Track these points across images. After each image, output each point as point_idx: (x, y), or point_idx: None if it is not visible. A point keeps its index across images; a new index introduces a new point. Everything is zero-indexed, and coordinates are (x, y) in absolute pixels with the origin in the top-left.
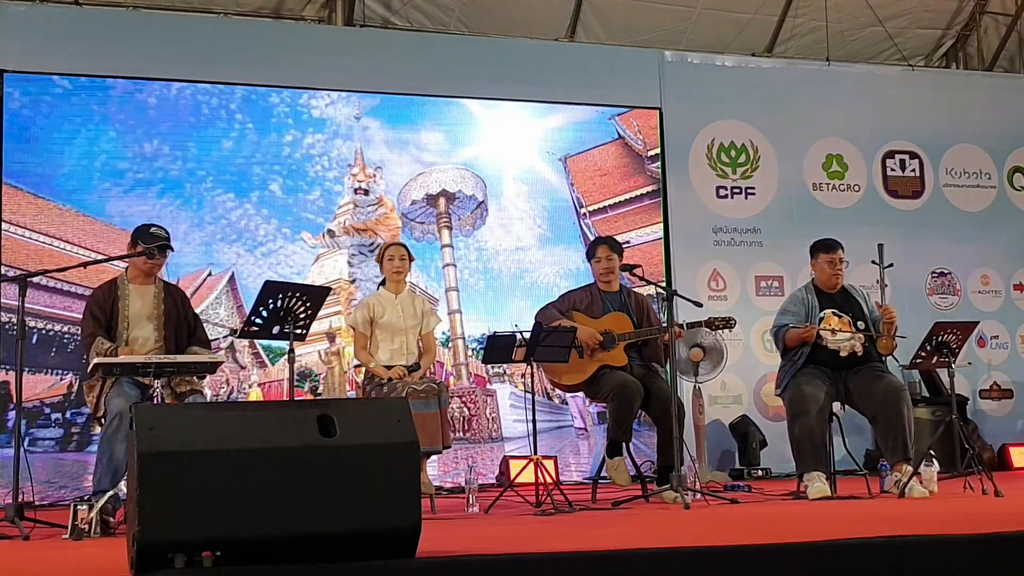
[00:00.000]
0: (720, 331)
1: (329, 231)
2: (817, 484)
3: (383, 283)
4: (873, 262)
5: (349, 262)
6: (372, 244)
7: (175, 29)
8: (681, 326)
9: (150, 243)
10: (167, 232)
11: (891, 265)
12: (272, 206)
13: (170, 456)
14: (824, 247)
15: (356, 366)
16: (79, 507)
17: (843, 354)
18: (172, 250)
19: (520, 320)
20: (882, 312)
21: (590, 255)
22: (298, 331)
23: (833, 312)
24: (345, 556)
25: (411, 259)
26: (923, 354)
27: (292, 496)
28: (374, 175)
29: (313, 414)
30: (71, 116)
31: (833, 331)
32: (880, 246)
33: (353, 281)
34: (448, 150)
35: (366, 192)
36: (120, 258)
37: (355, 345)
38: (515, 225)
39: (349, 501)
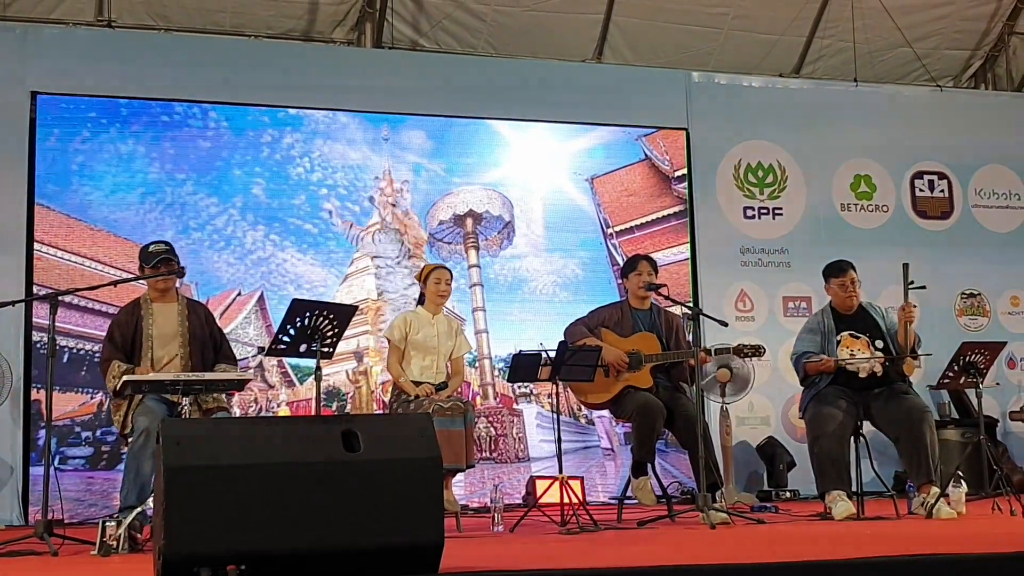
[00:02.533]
0: (749, 358)
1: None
2: (841, 504)
3: (420, 301)
4: (911, 283)
5: (376, 274)
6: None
7: (206, 51)
8: (708, 351)
9: (147, 262)
10: (167, 244)
11: (923, 287)
12: (302, 228)
13: (196, 470)
14: (834, 270)
15: (383, 382)
16: (107, 523)
17: (862, 375)
18: (171, 264)
19: (546, 340)
20: (902, 312)
21: (629, 269)
22: (325, 349)
23: (850, 334)
24: (368, 571)
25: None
26: (950, 374)
27: (317, 510)
28: (400, 189)
29: (337, 429)
30: (103, 137)
31: (852, 354)
32: (905, 266)
33: (380, 294)
34: (475, 171)
35: (394, 205)
36: (147, 278)
37: (389, 358)
38: (542, 245)
39: (373, 516)
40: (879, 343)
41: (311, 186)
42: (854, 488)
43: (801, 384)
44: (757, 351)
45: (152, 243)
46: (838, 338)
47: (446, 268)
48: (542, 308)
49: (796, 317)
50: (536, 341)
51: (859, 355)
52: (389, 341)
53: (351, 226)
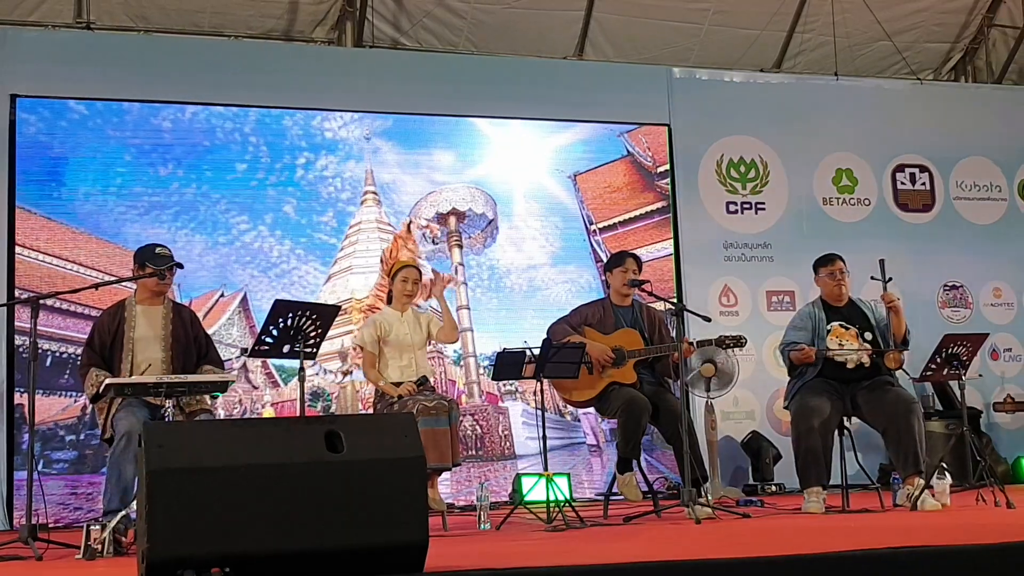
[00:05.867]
0: (731, 349)
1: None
2: (812, 501)
3: (389, 301)
4: (873, 278)
5: (359, 274)
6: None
7: (186, 52)
8: (691, 343)
9: (159, 264)
10: (171, 251)
11: (890, 279)
12: (286, 228)
13: (179, 473)
14: (823, 261)
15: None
16: (92, 527)
17: (850, 366)
18: (181, 267)
19: (531, 338)
20: (885, 299)
21: (615, 264)
22: (308, 350)
23: (840, 325)
24: (353, 571)
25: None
26: (933, 366)
27: (300, 512)
28: (383, 188)
29: (320, 430)
30: (83, 139)
31: (841, 344)
32: (881, 261)
33: (366, 295)
34: (458, 169)
35: (377, 204)
36: (131, 279)
37: (364, 364)
38: (526, 243)
39: (357, 516)
40: (868, 335)
41: (291, 186)
42: (836, 481)
43: (789, 374)
44: (738, 341)
45: (157, 245)
46: (829, 327)
47: (415, 267)
48: (526, 306)
49: (780, 311)
50: (520, 339)
51: (848, 346)
52: (361, 348)
53: (334, 226)
